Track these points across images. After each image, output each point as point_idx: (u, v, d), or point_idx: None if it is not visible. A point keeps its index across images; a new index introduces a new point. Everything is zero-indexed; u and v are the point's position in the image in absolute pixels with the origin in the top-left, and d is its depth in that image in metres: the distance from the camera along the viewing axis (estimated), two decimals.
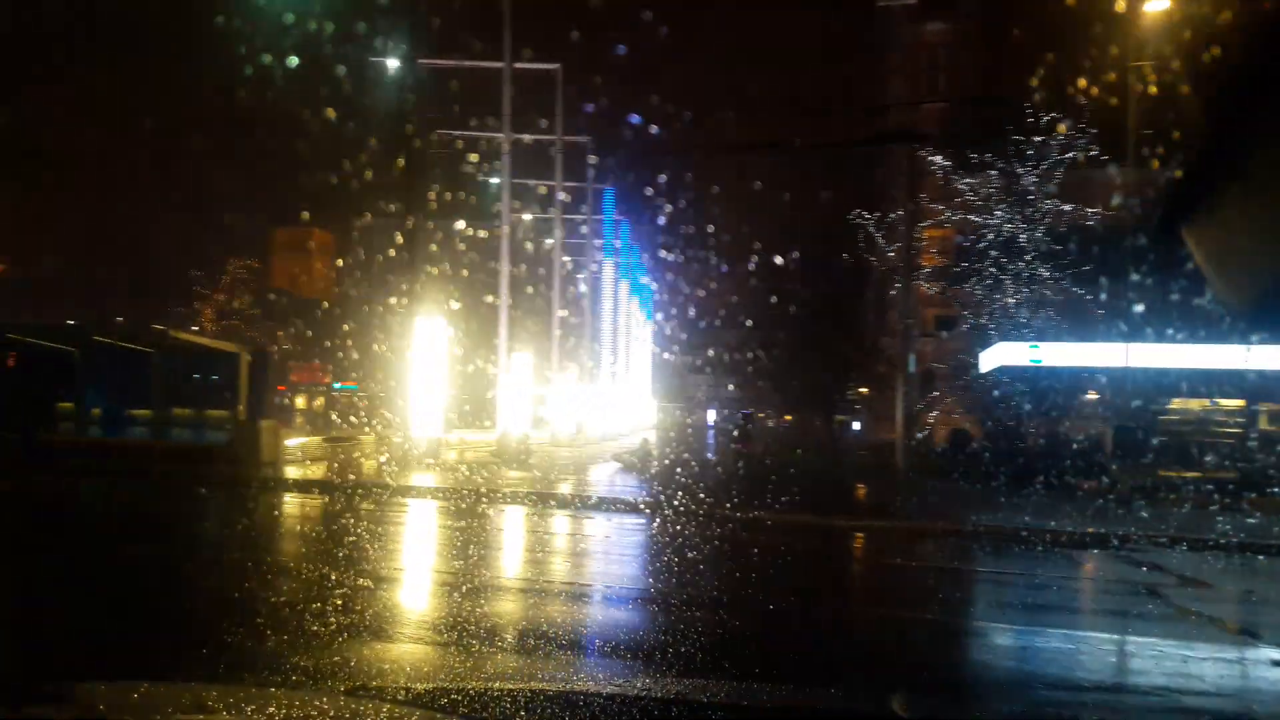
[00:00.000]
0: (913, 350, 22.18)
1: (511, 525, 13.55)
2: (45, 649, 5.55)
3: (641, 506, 14.86)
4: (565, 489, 17.22)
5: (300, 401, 63.86)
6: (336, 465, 20.09)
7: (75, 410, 20.42)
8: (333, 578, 8.07)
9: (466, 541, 11.21)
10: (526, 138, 32.14)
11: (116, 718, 2.28)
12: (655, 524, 13.21)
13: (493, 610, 7.08)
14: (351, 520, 12.66)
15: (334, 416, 52.31)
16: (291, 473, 18.27)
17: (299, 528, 12.95)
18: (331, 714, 2.37)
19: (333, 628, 6.01)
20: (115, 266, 66.96)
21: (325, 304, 75.93)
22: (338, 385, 65.75)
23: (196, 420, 20.59)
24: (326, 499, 15.49)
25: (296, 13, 29.50)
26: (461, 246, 48.40)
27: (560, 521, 13.97)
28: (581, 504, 15.44)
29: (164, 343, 20.34)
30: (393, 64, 31.91)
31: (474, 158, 35.34)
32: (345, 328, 66.22)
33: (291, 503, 15.40)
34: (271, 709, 2.33)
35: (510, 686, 2.99)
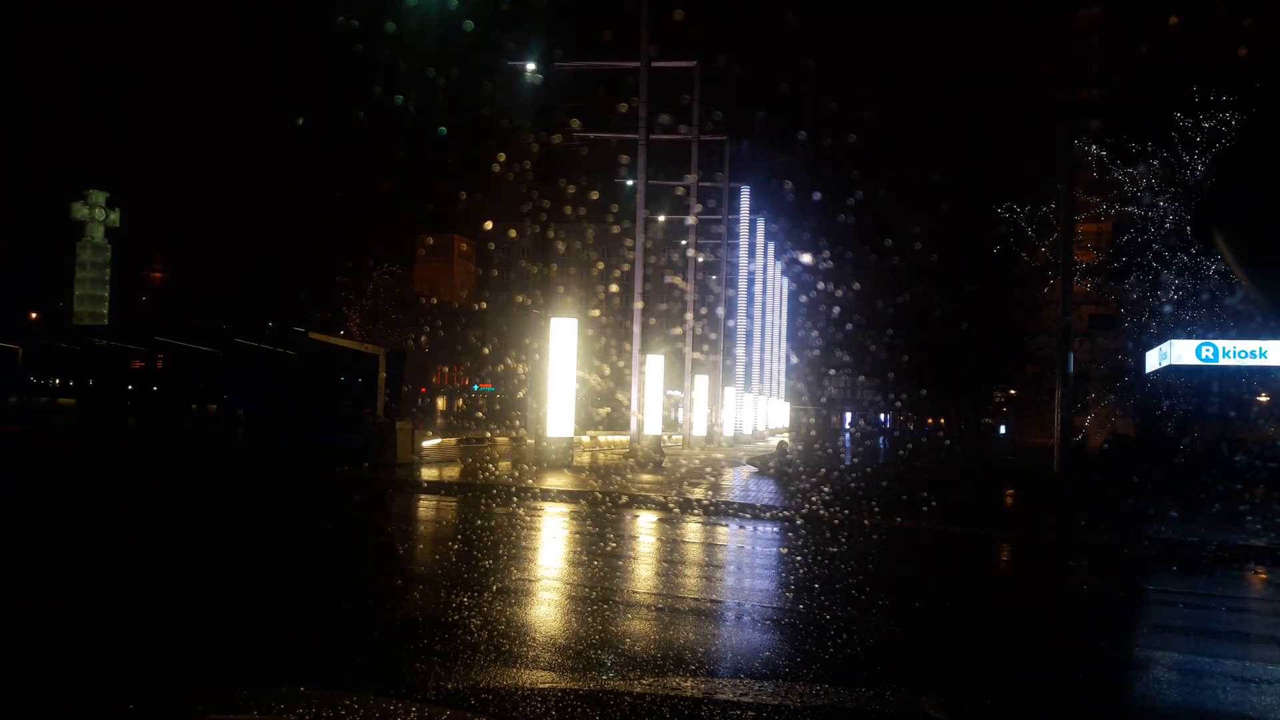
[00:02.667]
0: (1072, 349, 20.63)
1: (643, 532, 13.08)
2: (185, 651, 5.38)
3: (778, 514, 14.16)
4: (699, 494, 16.65)
5: (441, 403, 65.60)
6: (471, 466, 20.17)
7: (219, 411, 21.20)
8: (461, 589, 7.76)
9: (598, 550, 10.79)
10: (663, 138, 31.84)
11: (146, 716, 2.25)
12: (792, 533, 12.50)
13: (625, 630, 6.60)
14: (482, 525, 12.47)
15: (475, 417, 53.39)
16: (426, 474, 18.39)
17: (429, 532, 12.85)
18: (361, 713, 2.32)
19: (458, 646, 5.64)
20: (265, 274, 70.54)
21: (465, 308, 78.05)
22: (476, 387, 67.27)
23: (334, 421, 21.03)
24: (459, 502, 15.43)
25: (434, 22, 30.04)
26: (596, 249, 48.59)
27: (694, 529, 13.42)
28: (716, 510, 14.85)
29: (302, 344, 20.89)
30: (529, 68, 32.15)
31: (608, 158, 35.32)
32: (483, 331, 67.83)
33: (424, 505, 15.39)
34: (300, 708, 2.35)
35: None
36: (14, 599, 6.83)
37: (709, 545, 12.16)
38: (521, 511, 14.34)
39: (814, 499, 14.62)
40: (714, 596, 8.28)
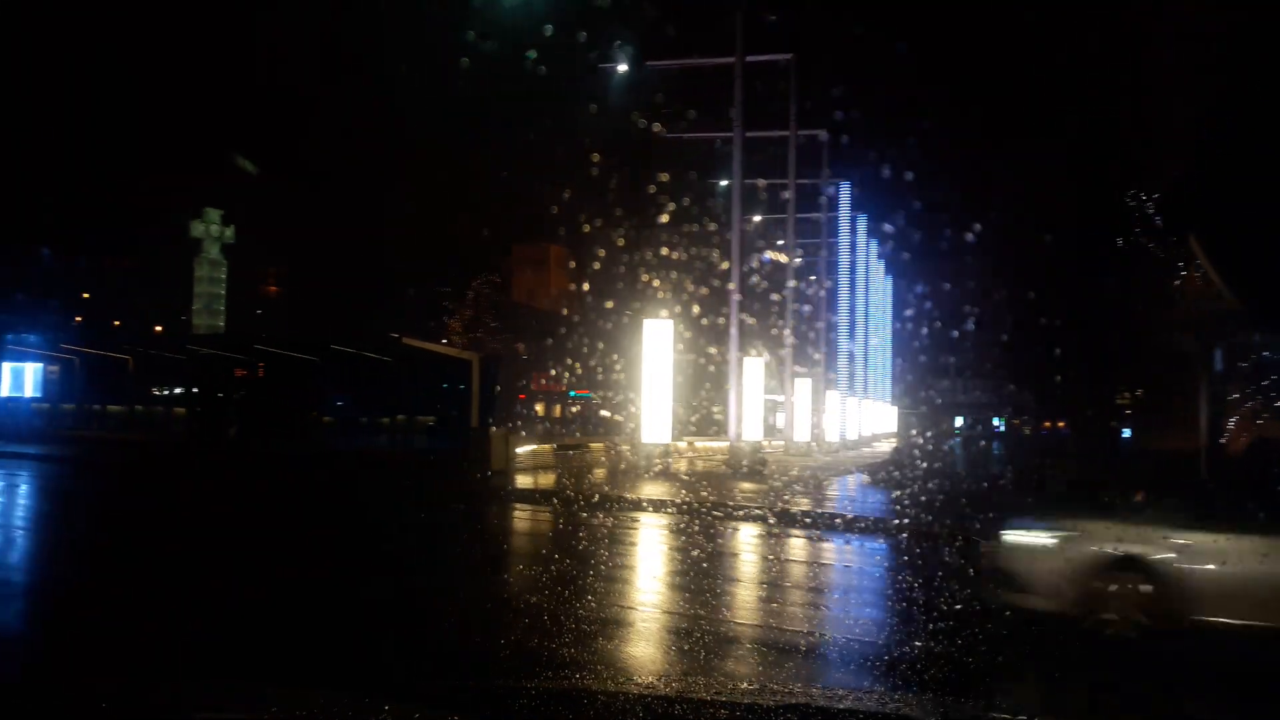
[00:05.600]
0: (1220, 345, 18.80)
1: (745, 548, 12.17)
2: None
3: (893, 529, 13.02)
4: (804, 505, 15.58)
5: (539, 409, 65.67)
6: (566, 474, 19.54)
7: (316, 418, 21.15)
8: (551, 616, 7.00)
9: (697, 570, 9.92)
10: (759, 134, 30.86)
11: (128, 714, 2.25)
12: (909, 552, 11.38)
13: (727, 672, 5.74)
14: (576, 540, 11.75)
15: (572, 423, 53.19)
16: (521, 481, 17.84)
17: (522, 547, 12.18)
18: (336, 714, 2.36)
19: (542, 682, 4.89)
20: (371, 288, 71.91)
21: (561, 314, 78.03)
22: (572, 393, 67.16)
23: (429, 427, 20.73)
24: (553, 512, 14.77)
25: (523, 25, 29.72)
26: (692, 251, 47.76)
27: (801, 545, 12.42)
28: (824, 524, 13.77)
29: (397, 350, 20.63)
30: (621, 69, 31.53)
31: (704, 158, 34.50)
32: (579, 337, 67.75)
33: (518, 517, 14.77)
34: (275, 708, 2.37)
35: None
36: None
37: (818, 565, 11.17)
38: (616, 524, 13.59)
39: (930, 512, 13.45)
40: (825, 632, 7.31)
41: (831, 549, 12.16)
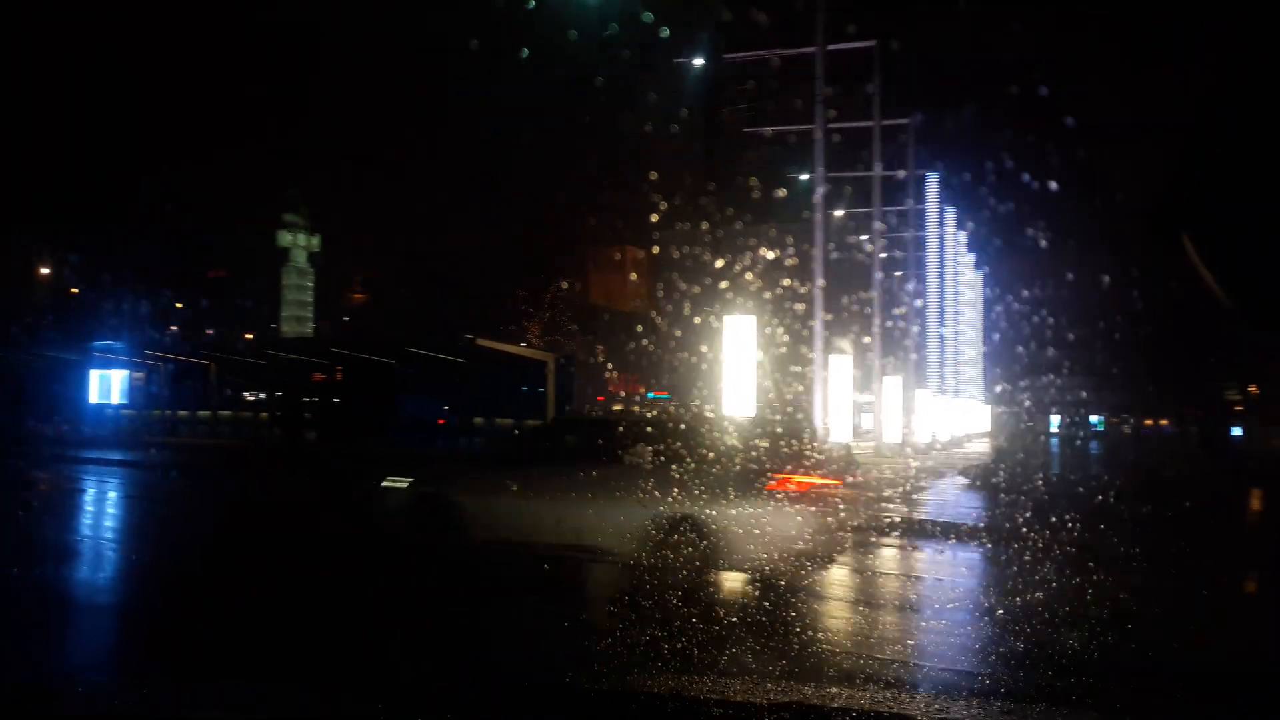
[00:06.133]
0: None
1: (838, 561, 11.26)
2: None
3: (995, 537, 11.94)
4: (902, 511, 14.54)
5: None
6: None
7: (394, 420, 20.85)
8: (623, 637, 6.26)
9: (789, 584, 9.07)
10: (841, 125, 29.76)
11: (119, 713, 2.25)
12: (1017, 562, 10.31)
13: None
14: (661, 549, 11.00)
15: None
16: None
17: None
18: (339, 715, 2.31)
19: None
20: (453, 293, 72.57)
21: (639, 316, 77.55)
22: (651, 394, 66.56)
23: (502, 429, 20.23)
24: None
25: (595, 23, 29.14)
26: (773, 247, 46.65)
27: (899, 555, 11.46)
28: (923, 531, 12.76)
29: (471, 351, 20.20)
30: (697, 63, 30.73)
31: (783, 151, 33.53)
32: (657, 337, 67.11)
33: None
34: (279, 709, 2.40)
35: None
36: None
37: (919, 579, 10.21)
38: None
39: (1040, 520, 12.34)
40: (938, 664, 6.39)
41: (929, 559, 11.17)
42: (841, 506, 8.42)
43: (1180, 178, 1.39)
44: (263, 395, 25.66)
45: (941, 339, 41.46)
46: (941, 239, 41.75)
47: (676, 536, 7.42)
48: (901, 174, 36.29)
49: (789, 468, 8.06)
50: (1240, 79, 1.23)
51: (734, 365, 20.48)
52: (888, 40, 30.37)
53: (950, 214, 43.52)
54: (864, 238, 40.31)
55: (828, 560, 8.24)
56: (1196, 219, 1.38)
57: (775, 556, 7.55)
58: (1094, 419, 57.31)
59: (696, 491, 7.60)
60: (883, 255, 34.90)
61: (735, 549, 7.51)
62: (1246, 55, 1.21)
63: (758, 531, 7.47)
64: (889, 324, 35.36)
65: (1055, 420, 56.23)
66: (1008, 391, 56.66)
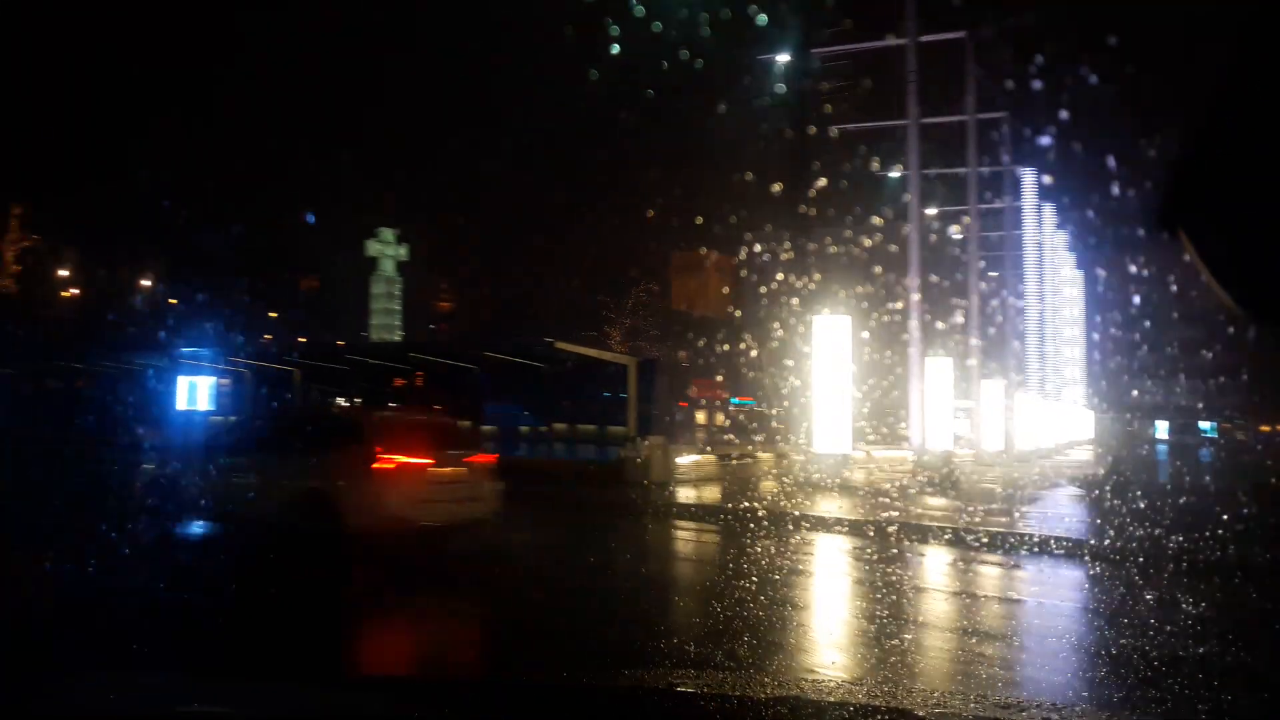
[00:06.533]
0: None
1: (942, 583, 10.25)
2: None
3: (1127, 561, 10.75)
4: (1009, 525, 13.37)
5: (701, 417, 64.33)
6: (732, 488, 17.95)
7: (473, 426, 20.42)
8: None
9: (884, 612, 8.15)
10: (934, 120, 28.49)
11: (114, 712, 2.22)
12: (1153, 592, 9.15)
13: None
14: (741, 567, 10.16)
15: (735, 432, 51.57)
16: (683, 495, 16.39)
17: (684, 576, 10.63)
18: (330, 706, 2.32)
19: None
20: (537, 298, 72.87)
21: (721, 320, 76.73)
22: (735, 400, 65.53)
23: (583, 435, 19.62)
24: (719, 531, 13.22)
25: (676, 23, 28.45)
26: (864, 249, 45.20)
27: (1006, 577, 10.37)
28: (1038, 550, 11.61)
29: (551, 355, 19.62)
30: (782, 59, 29.79)
31: (873, 150, 32.36)
32: (741, 342, 66.13)
33: (679, 536, 13.28)
34: (266, 701, 2.37)
35: None
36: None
37: (1040, 605, 9.14)
38: (789, 547, 11.90)
39: (1173, 541, 11.10)
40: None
41: (1044, 583, 10.07)
42: (460, 479, 10.13)
43: (1180, 175, 1.36)
44: (345, 401, 25.56)
45: (1041, 341, 39.52)
46: (1040, 238, 39.82)
47: (308, 502, 9.57)
48: (997, 169, 34.71)
49: (394, 449, 9.64)
50: (1243, 77, 1.21)
51: (826, 368, 19.56)
52: (980, 30, 28.98)
53: (1049, 212, 41.54)
54: (958, 236, 38.78)
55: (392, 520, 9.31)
56: (1195, 216, 1.34)
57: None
58: (1205, 425, 54.01)
59: (329, 470, 9.72)
60: (981, 255, 33.40)
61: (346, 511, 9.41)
62: (1250, 52, 1.19)
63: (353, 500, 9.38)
64: (987, 326, 33.76)
65: (1162, 426, 53.17)
66: (1111, 396, 53.82)
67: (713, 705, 2.32)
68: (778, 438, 27.64)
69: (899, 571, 10.37)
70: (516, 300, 75.71)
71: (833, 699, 2.54)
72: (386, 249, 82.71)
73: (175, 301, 68.22)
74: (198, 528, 11.31)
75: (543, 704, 2.38)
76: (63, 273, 67.39)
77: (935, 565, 11.14)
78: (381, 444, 9.64)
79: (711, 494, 17.01)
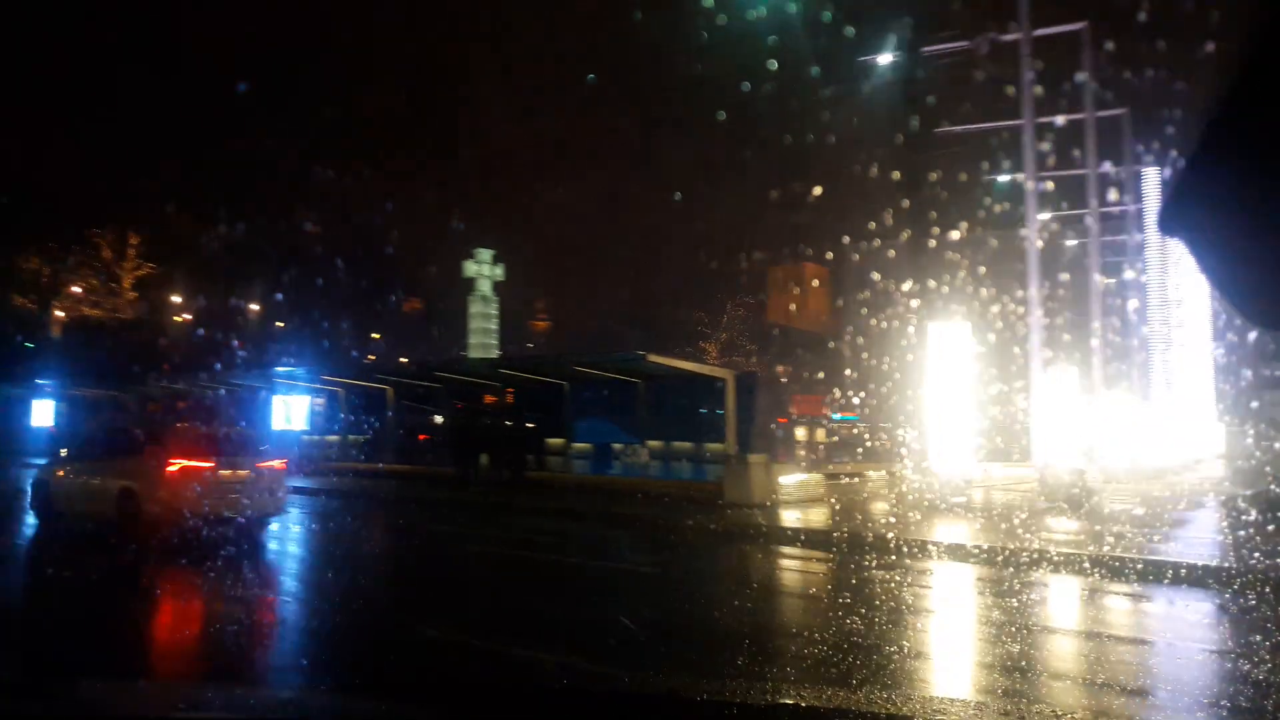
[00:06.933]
0: None
1: (1076, 617, 8.92)
2: None
3: None
4: (1151, 551, 11.80)
5: (801, 433, 62.62)
6: (839, 509, 16.70)
7: (564, 445, 19.72)
8: None
9: (1012, 655, 6.95)
10: (1050, 119, 26.75)
11: (109, 714, 2.28)
12: None
13: None
14: (851, 600, 9.03)
15: (838, 449, 49.89)
16: (787, 519, 15.23)
17: (783, 610, 9.51)
18: (329, 712, 2.34)
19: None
20: (631, 316, 72.61)
21: (820, 334, 74.96)
22: (836, 416, 63.63)
23: (679, 453, 18.66)
24: (826, 559, 12.05)
25: (777, 23, 27.46)
26: (977, 256, 43.15)
27: (1164, 615, 8.96)
28: (1192, 581, 10.09)
29: (644, 370, 18.71)
30: (886, 60, 28.51)
31: (982, 152, 30.70)
32: (841, 357, 64.31)
33: (779, 565, 12.16)
34: (264, 709, 2.40)
35: None
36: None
37: (1213, 653, 7.75)
38: (904, 577, 10.68)
39: None
40: None
41: (1204, 624, 8.64)
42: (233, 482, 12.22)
43: (1183, 180, 1.34)
44: (440, 419, 25.22)
45: (1167, 349, 36.92)
46: (1166, 240, 37.24)
47: (124, 497, 12.10)
48: (1119, 169, 32.55)
49: (183, 456, 12.10)
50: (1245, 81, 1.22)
51: (940, 380, 18.27)
52: (1100, 22, 27.14)
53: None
54: (1075, 241, 36.58)
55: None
56: (1191, 221, 1.36)
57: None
58: None
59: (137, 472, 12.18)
60: (1101, 263, 31.26)
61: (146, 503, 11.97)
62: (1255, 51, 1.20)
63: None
64: (1112, 336, 31.53)
65: None
66: (1244, 408, 50.08)
67: None
68: (887, 455, 26.18)
69: (1030, 607, 9.10)
70: (610, 317, 75.56)
71: None
72: (483, 269, 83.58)
73: (282, 325, 70.10)
74: (47, 517, 13.76)
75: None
76: (175, 299, 69.91)
77: (1071, 599, 9.79)
78: (174, 452, 12.18)
79: (818, 517, 15.81)
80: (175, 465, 11.92)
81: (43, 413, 34.33)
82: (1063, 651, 7.43)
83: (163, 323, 66.52)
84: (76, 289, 64.05)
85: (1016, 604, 9.19)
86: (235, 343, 55.49)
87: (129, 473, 12.20)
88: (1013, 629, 7.94)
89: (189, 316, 69.30)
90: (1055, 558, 11.21)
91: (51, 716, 2.17)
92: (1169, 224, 1.37)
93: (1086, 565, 10.84)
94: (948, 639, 7.99)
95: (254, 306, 72.26)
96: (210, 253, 66.05)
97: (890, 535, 13.20)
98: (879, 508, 17.61)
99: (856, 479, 20.30)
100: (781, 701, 2.29)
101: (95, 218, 63.96)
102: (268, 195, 73.36)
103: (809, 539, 13.38)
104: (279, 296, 71.04)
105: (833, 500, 17.81)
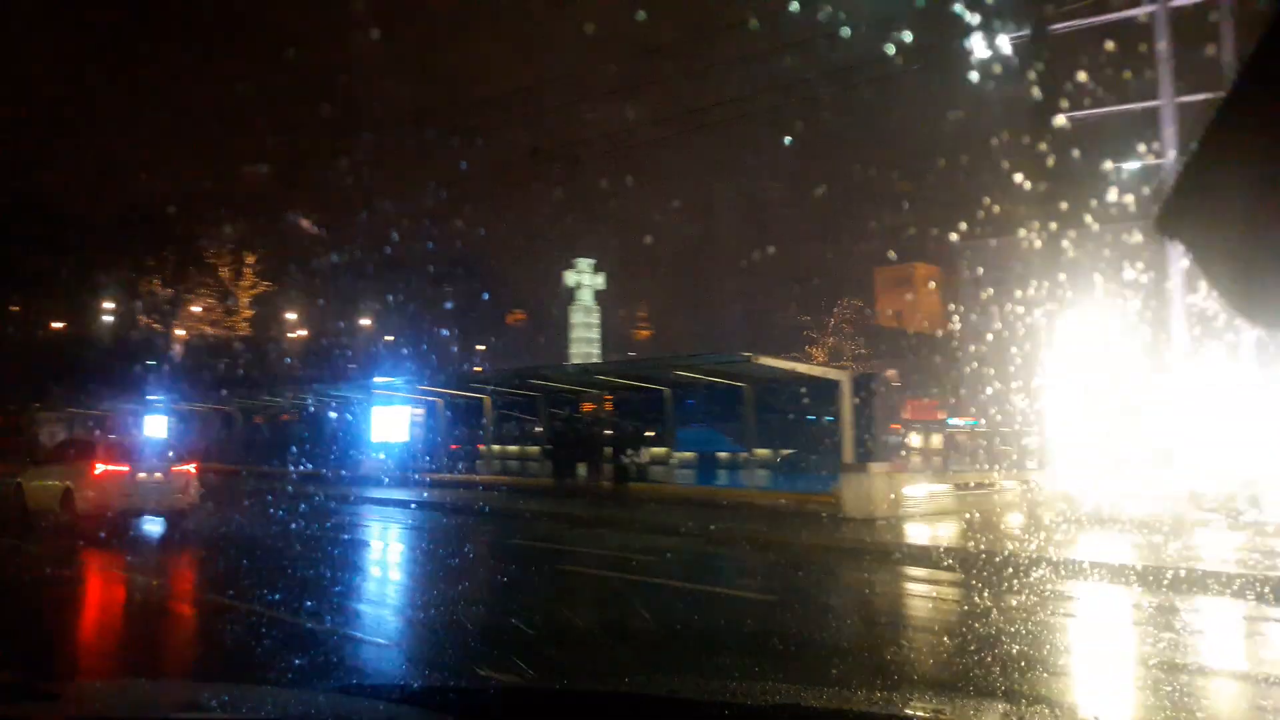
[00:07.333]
0: None
1: (1250, 656, 7.35)
2: None
3: None
4: None
5: (917, 440, 60.07)
6: (973, 524, 15.07)
7: (665, 453, 18.66)
8: None
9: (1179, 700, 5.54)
10: (1193, 99, 24.50)
11: (110, 715, 2.31)
12: None
13: None
14: (987, 631, 7.64)
15: (950, 456, 47.66)
16: (911, 535, 13.79)
17: (920, 648, 8.14)
18: (328, 711, 2.31)
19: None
20: (733, 323, 71.37)
21: (933, 336, 72.21)
22: (952, 421, 60.92)
23: (788, 462, 17.37)
24: (959, 582, 10.62)
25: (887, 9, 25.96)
26: (1111, 248, 40.34)
27: None
28: None
29: (750, 372, 17.45)
30: (1005, 43, 26.65)
31: (1113, 138, 28.46)
32: (957, 359, 61.58)
33: (907, 589, 10.75)
34: (267, 706, 2.44)
35: None
36: None
37: None
38: (1049, 605, 9.21)
39: None
40: None
41: None
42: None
43: (1182, 181, 1.35)
44: (539, 428, 24.52)
45: None
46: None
47: (64, 495, 15.07)
48: None
49: (108, 461, 15.08)
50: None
51: (1073, 380, 16.72)
52: None
53: None
54: None
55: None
56: (1190, 221, 1.37)
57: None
58: None
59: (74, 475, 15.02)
60: None
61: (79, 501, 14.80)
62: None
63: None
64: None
65: None
66: None
67: None
68: (1012, 462, 24.33)
69: (1204, 643, 7.60)
70: (713, 323, 74.45)
71: None
72: (584, 278, 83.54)
73: (390, 339, 71.32)
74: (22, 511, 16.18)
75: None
76: (290, 315, 71.90)
77: (1245, 627, 8.20)
78: (99, 458, 15.05)
79: (952, 533, 14.28)
80: (99, 469, 14.84)
81: (156, 427, 35.27)
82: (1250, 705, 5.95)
83: (275, 338, 68.39)
84: (196, 309, 66.51)
85: (1182, 639, 7.72)
86: (343, 356, 56.48)
87: (69, 475, 15.20)
88: (1188, 673, 6.48)
89: (304, 332, 71.15)
90: (1221, 577, 9.58)
91: (52, 717, 2.19)
92: (1168, 225, 1.37)
93: (1250, 585, 9.23)
94: (1119, 698, 6.54)
95: (364, 321, 73.73)
96: (321, 270, 67.62)
97: (1028, 553, 11.64)
98: (1016, 521, 15.92)
99: (984, 488, 18.57)
100: (782, 702, 2.26)
101: (213, 238, 66.40)
102: (380, 212, 74.73)
103: (936, 558, 11.91)
104: (386, 311, 72.33)
105: (966, 514, 16.18)
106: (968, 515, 15.92)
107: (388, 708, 2.33)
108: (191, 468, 15.88)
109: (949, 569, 11.23)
